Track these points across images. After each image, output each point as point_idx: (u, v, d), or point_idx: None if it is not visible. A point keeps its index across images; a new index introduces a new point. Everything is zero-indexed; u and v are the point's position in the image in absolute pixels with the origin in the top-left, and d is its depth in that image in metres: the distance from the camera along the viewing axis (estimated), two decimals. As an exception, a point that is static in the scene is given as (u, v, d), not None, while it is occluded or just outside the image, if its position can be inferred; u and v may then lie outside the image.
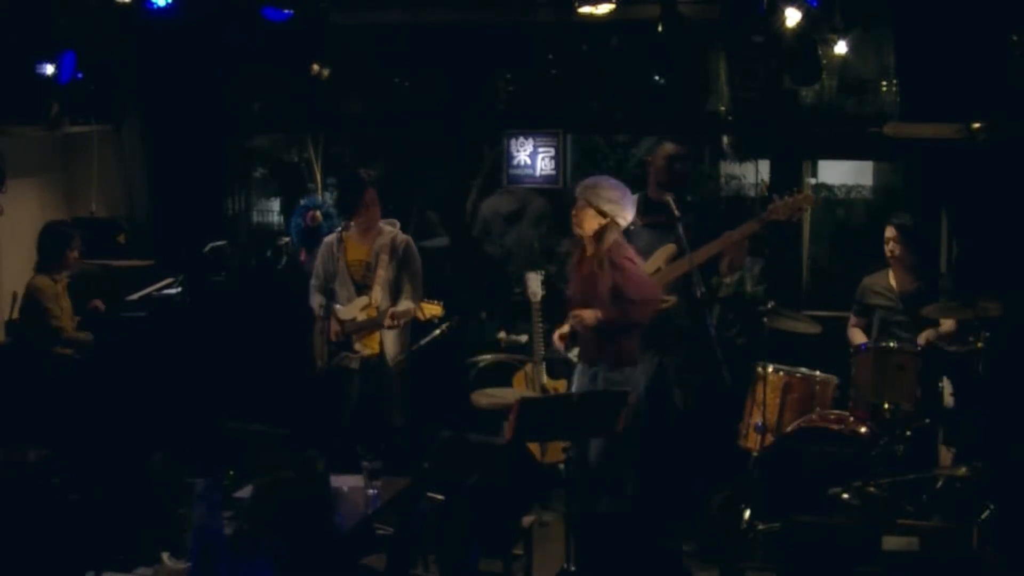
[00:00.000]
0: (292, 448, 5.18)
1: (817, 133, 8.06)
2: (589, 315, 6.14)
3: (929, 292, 6.63)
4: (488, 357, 7.54)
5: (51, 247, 7.41)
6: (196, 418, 7.39)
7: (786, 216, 6.61)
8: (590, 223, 6.17)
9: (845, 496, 5.96)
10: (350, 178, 6.89)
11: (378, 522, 5.27)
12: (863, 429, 6.37)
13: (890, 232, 6.81)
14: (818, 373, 6.67)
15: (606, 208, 6.13)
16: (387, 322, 6.71)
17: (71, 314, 7.49)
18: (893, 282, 6.86)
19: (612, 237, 6.17)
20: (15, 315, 7.60)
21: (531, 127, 8.56)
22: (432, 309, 6.60)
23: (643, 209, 6.80)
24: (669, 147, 6.83)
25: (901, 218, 6.86)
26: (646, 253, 6.67)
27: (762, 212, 6.74)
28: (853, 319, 7.01)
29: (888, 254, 6.83)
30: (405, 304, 6.77)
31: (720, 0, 7.58)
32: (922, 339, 6.56)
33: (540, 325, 6.81)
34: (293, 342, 7.24)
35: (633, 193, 6.80)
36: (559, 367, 7.05)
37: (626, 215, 6.20)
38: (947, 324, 6.56)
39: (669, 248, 6.62)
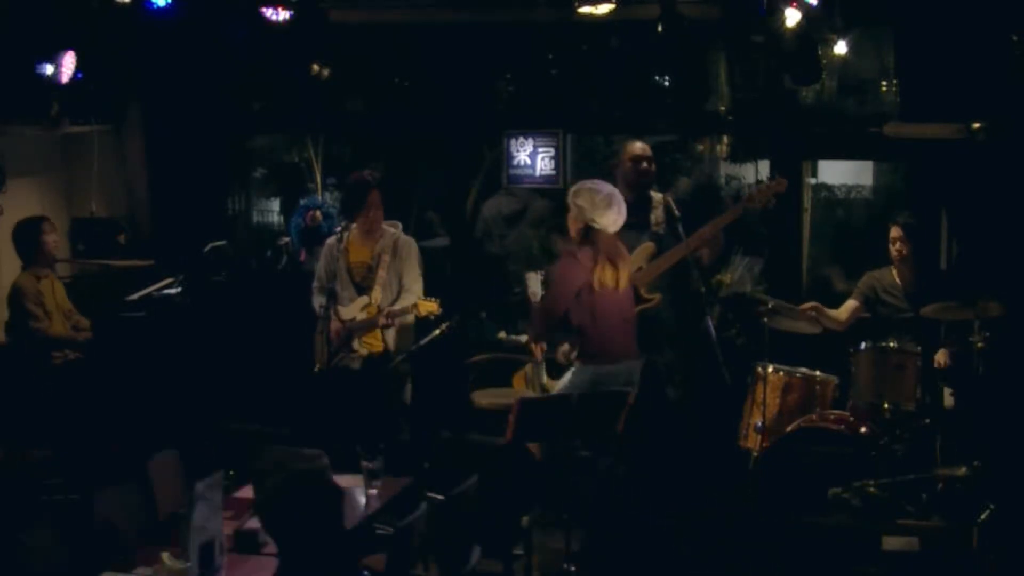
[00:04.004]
0: (292, 448, 5.19)
1: (817, 133, 8.06)
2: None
3: (931, 291, 6.63)
4: (488, 357, 7.54)
5: (24, 240, 7.32)
6: (196, 418, 7.40)
7: (763, 203, 6.65)
8: (571, 227, 6.24)
9: (845, 496, 5.96)
10: (355, 180, 6.88)
11: (378, 522, 5.26)
12: (863, 429, 6.38)
13: (896, 232, 6.81)
14: (818, 373, 6.67)
15: (579, 210, 6.17)
16: (382, 321, 6.69)
17: (67, 313, 7.45)
18: (898, 280, 6.87)
19: (577, 240, 6.21)
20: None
21: (531, 127, 8.56)
22: (428, 306, 6.59)
23: None
24: (633, 149, 6.88)
25: (906, 217, 6.87)
26: None
27: (736, 204, 6.80)
28: (851, 301, 7.00)
29: (895, 254, 6.83)
30: (402, 303, 6.77)
31: (720, 0, 7.59)
32: (940, 360, 6.56)
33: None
34: (293, 342, 7.23)
35: None
36: (559, 367, 7.05)
37: (600, 217, 6.15)
38: (941, 356, 6.56)
39: (648, 247, 6.67)
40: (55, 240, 7.40)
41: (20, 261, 7.38)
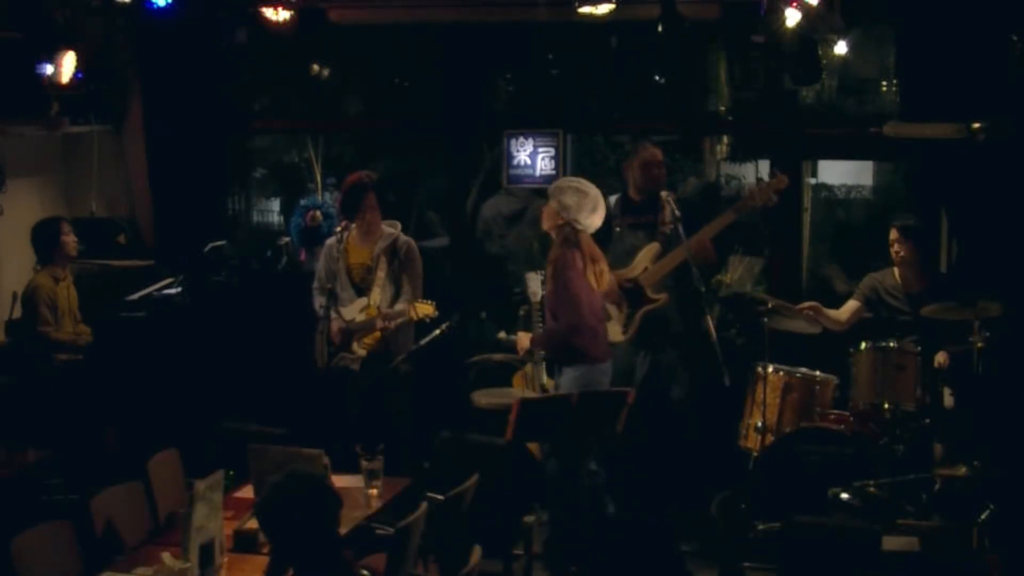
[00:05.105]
0: (292, 448, 5.20)
1: (817, 133, 8.06)
2: (523, 339, 6.44)
3: (934, 292, 6.61)
4: (487, 357, 7.54)
5: (43, 239, 7.44)
6: (196, 418, 7.40)
7: (763, 201, 6.65)
8: (548, 220, 6.31)
9: (845, 496, 5.96)
10: (351, 183, 6.87)
11: (378, 522, 5.27)
12: (863, 429, 6.38)
13: (893, 234, 6.81)
14: (818, 373, 6.67)
15: (562, 208, 6.21)
16: (379, 323, 6.69)
17: (75, 316, 7.48)
18: (900, 282, 6.86)
19: (562, 242, 6.25)
20: (15, 315, 7.60)
21: (531, 127, 8.55)
22: (424, 309, 6.59)
23: (625, 211, 6.85)
24: (643, 154, 6.90)
25: (904, 219, 6.86)
26: (630, 254, 6.74)
27: (737, 203, 6.81)
28: (853, 301, 7.00)
29: (893, 256, 6.83)
30: (400, 306, 6.76)
31: (720, 0, 7.60)
32: (940, 360, 6.55)
33: (540, 325, 6.82)
34: (293, 342, 7.23)
35: (614, 193, 6.90)
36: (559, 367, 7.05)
37: (584, 220, 6.22)
38: (941, 357, 6.56)
39: (653, 247, 6.69)
40: (73, 241, 7.50)
41: (36, 259, 7.50)
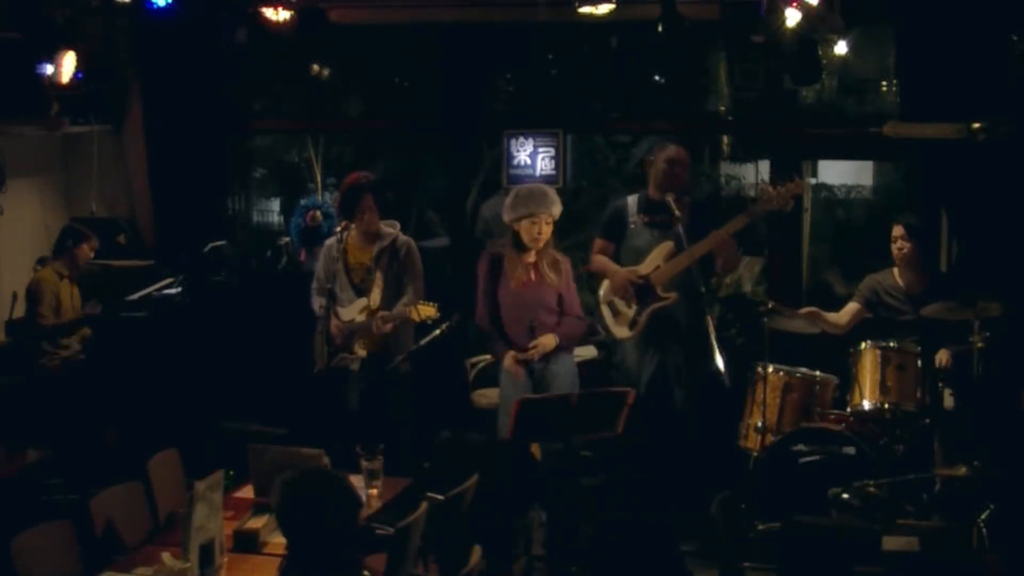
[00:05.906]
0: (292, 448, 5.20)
1: (817, 133, 8.06)
2: (550, 340, 6.36)
3: (934, 292, 6.61)
4: (488, 357, 7.54)
5: (65, 239, 7.57)
6: (196, 418, 7.40)
7: (779, 205, 6.64)
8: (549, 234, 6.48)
9: (845, 496, 5.97)
10: (348, 184, 6.86)
11: (378, 522, 5.27)
12: (863, 429, 6.38)
13: (897, 231, 6.79)
14: (818, 373, 6.67)
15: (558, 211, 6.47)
16: (376, 325, 6.68)
17: (77, 315, 7.50)
18: (900, 282, 6.85)
19: (550, 242, 6.51)
20: (15, 315, 7.61)
21: (531, 127, 8.56)
22: (426, 310, 6.58)
23: (643, 208, 6.84)
24: (670, 151, 6.85)
25: (908, 217, 6.85)
26: (645, 251, 6.73)
27: (752, 205, 6.79)
28: (852, 303, 6.98)
29: (895, 253, 6.81)
30: (400, 306, 6.75)
31: (720, 0, 7.60)
32: (942, 360, 6.54)
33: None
34: (293, 342, 7.23)
35: (633, 192, 6.86)
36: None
37: None
38: (943, 356, 6.55)
39: (667, 245, 6.67)
40: (86, 256, 7.62)
41: (52, 251, 7.64)
